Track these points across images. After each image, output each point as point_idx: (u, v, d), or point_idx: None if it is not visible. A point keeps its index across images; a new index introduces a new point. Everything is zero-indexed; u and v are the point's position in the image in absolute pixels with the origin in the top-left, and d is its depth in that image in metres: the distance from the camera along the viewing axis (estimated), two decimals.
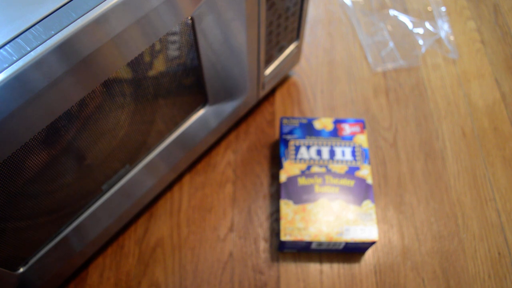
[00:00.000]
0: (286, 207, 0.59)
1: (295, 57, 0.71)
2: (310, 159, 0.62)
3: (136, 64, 0.44)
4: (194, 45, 0.50)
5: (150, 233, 0.64)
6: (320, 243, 0.58)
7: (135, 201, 0.58)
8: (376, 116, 0.74)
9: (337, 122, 0.65)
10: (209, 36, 0.51)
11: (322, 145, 0.63)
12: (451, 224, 0.65)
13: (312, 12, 0.87)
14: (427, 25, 0.84)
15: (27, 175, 0.41)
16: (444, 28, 0.84)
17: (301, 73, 0.79)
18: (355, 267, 0.62)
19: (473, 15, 0.86)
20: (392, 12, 0.86)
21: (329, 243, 0.58)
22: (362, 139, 0.63)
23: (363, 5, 0.87)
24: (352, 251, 0.62)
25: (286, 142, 0.63)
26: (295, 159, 0.62)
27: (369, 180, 0.60)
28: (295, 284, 0.60)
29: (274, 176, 0.68)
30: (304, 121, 0.65)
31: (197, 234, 0.64)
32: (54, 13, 0.34)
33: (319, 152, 0.62)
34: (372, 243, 0.57)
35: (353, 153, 0.62)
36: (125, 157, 0.53)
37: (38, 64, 0.32)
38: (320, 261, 0.62)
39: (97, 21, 0.34)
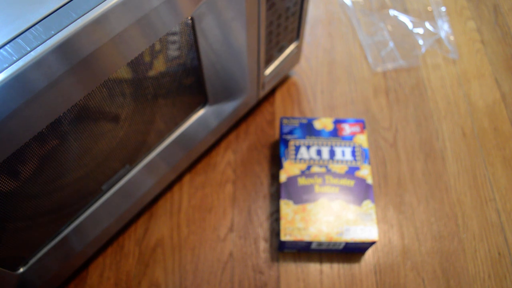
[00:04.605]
0: (286, 207, 0.59)
1: (295, 57, 0.71)
2: (310, 159, 0.62)
3: (136, 64, 0.44)
4: (194, 45, 0.50)
5: (150, 233, 0.64)
6: (320, 243, 0.58)
7: (135, 201, 0.58)
8: (376, 116, 0.74)
9: (337, 122, 0.65)
10: (209, 36, 0.51)
11: (322, 145, 0.63)
12: (451, 224, 0.65)
13: (312, 12, 0.87)
14: (427, 25, 0.84)
15: (27, 175, 0.41)
16: (444, 28, 0.84)
17: (301, 73, 0.79)
18: (355, 267, 0.62)
19: (473, 15, 0.86)
20: (392, 12, 0.86)
21: (329, 243, 0.58)
22: (362, 139, 0.63)
23: (363, 5, 0.87)
24: (352, 251, 0.62)
25: (286, 142, 0.63)
26: (295, 159, 0.62)
27: (369, 180, 0.60)
28: (295, 284, 0.60)
29: (274, 176, 0.68)
30: (304, 121, 0.65)
31: (197, 234, 0.64)
32: (54, 13, 0.34)
33: (319, 152, 0.62)
34: (372, 243, 0.57)
35: (353, 153, 0.62)
36: (125, 157, 0.54)
37: (38, 64, 0.32)
38: (320, 261, 0.62)
39: (97, 21, 0.34)
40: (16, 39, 0.32)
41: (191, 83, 0.55)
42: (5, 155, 0.35)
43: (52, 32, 0.33)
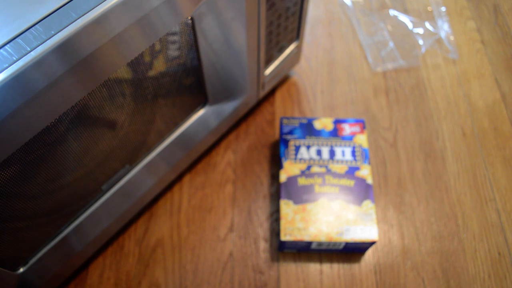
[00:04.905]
0: (286, 207, 0.59)
1: (295, 57, 0.71)
2: (310, 159, 0.62)
3: (136, 64, 0.44)
4: (194, 45, 0.50)
5: (150, 233, 0.64)
6: (320, 243, 0.58)
7: (135, 201, 0.58)
8: (376, 116, 0.74)
9: (337, 122, 0.65)
10: (209, 36, 0.51)
11: (322, 145, 0.63)
12: (451, 224, 0.65)
13: (312, 12, 0.87)
14: (427, 25, 0.84)
15: (27, 175, 0.41)
16: (444, 28, 0.84)
17: (301, 73, 0.79)
18: (355, 267, 0.62)
19: (473, 15, 0.86)
20: (392, 12, 0.86)
21: (329, 243, 0.58)
22: (362, 139, 0.63)
23: (363, 5, 0.87)
24: (352, 251, 0.62)
25: (286, 142, 0.63)
26: (295, 159, 0.62)
27: (369, 180, 0.60)
28: (295, 284, 0.60)
29: (274, 176, 0.68)
30: (304, 121, 0.65)
31: (197, 234, 0.64)
32: (54, 13, 0.34)
33: (319, 152, 0.62)
34: (372, 243, 0.57)
35: (353, 153, 0.62)
36: (125, 157, 0.54)
37: (38, 64, 0.32)
38: (320, 261, 0.62)
39: (97, 21, 0.34)
40: (16, 39, 0.32)
41: (191, 83, 0.55)
42: (5, 155, 0.35)
43: (52, 32, 0.33)
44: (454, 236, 0.64)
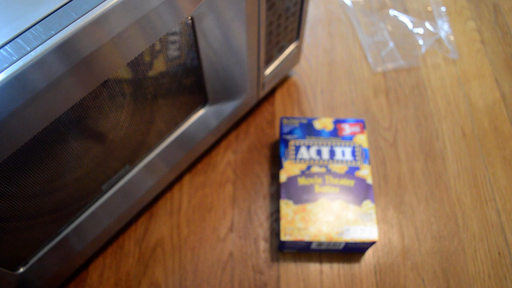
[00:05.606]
0: (286, 207, 0.59)
1: (295, 57, 0.71)
2: (310, 159, 0.62)
3: (136, 64, 0.44)
4: (194, 45, 0.50)
5: (150, 233, 0.64)
6: (320, 243, 0.58)
7: (135, 201, 0.58)
8: (376, 116, 0.74)
9: (337, 122, 0.65)
10: (209, 36, 0.51)
11: (322, 145, 0.63)
12: (451, 224, 0.65)
13: (312, 12, 0.87)
14: (427, 25, 0.84)
15: (27, 175, 0.41)
16: (444, 28, 0.84)
17: (301, 73, 0.79)
18: (355, 267, 0.62)
19: (473, 15, 0.86)
20: (392, 12, 0.86)
21: (329, 243, 0.58)
22: (362, 139, 0.63)
23: (363, 5, 0.87)
24: (352, 251, 0.62)
25: (286, 142, 0.63)
26: (295, 159, 0.62)
27: (369, 180, 0.60)
28: (295, 284, 0.60)
29: (274, 176, 0.68)
30: (304, 121, 0.65)
31: (197, 234, 0.64)
32: (54, 13, 0.34)
33: (319, 152, 0.62)
34: (372, 243, 0.57)
35: (353, 153, 0.62)
36: (125, 157, 0.54)
37: (38, 64, 0.32)
38: (320, 261, 0.62)
39: (97, 21, 0.34)
40: (16, 39, 0.32)
41: (191, 83, 0.55)
42: (5, 155, 0.35)
43: (52, 32, 0.33)
44: (454, 236, 0.64)
